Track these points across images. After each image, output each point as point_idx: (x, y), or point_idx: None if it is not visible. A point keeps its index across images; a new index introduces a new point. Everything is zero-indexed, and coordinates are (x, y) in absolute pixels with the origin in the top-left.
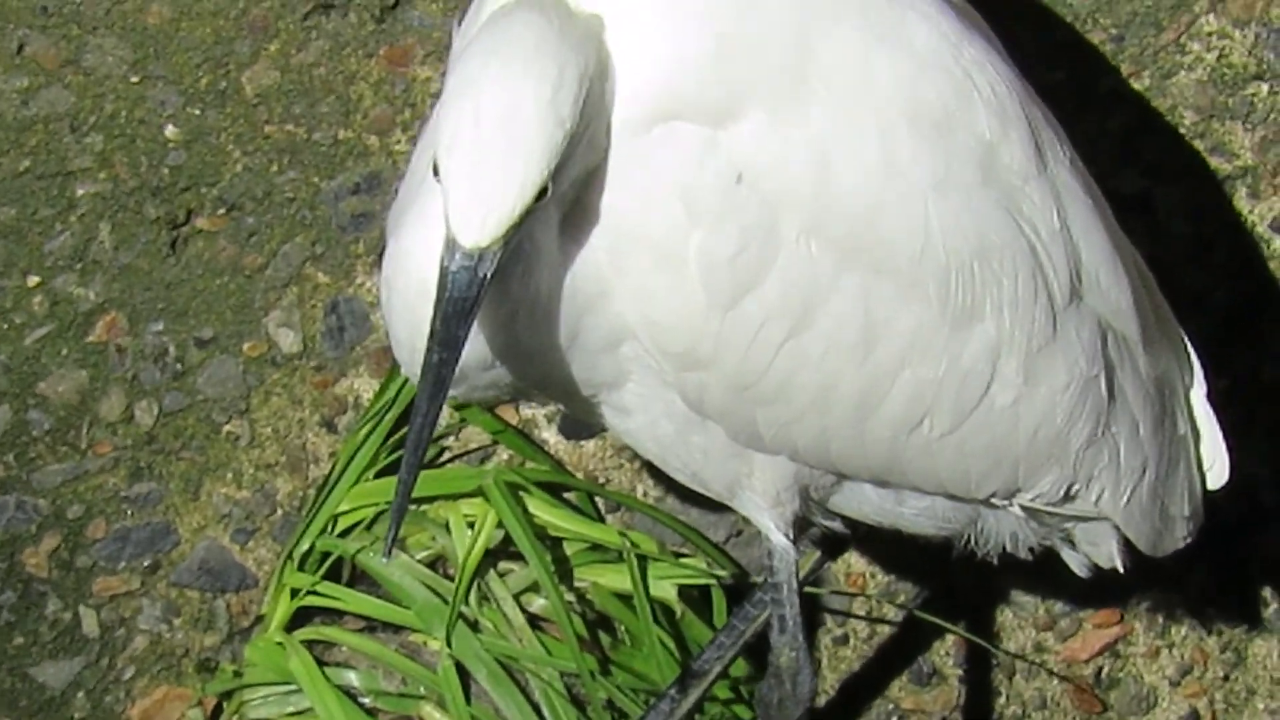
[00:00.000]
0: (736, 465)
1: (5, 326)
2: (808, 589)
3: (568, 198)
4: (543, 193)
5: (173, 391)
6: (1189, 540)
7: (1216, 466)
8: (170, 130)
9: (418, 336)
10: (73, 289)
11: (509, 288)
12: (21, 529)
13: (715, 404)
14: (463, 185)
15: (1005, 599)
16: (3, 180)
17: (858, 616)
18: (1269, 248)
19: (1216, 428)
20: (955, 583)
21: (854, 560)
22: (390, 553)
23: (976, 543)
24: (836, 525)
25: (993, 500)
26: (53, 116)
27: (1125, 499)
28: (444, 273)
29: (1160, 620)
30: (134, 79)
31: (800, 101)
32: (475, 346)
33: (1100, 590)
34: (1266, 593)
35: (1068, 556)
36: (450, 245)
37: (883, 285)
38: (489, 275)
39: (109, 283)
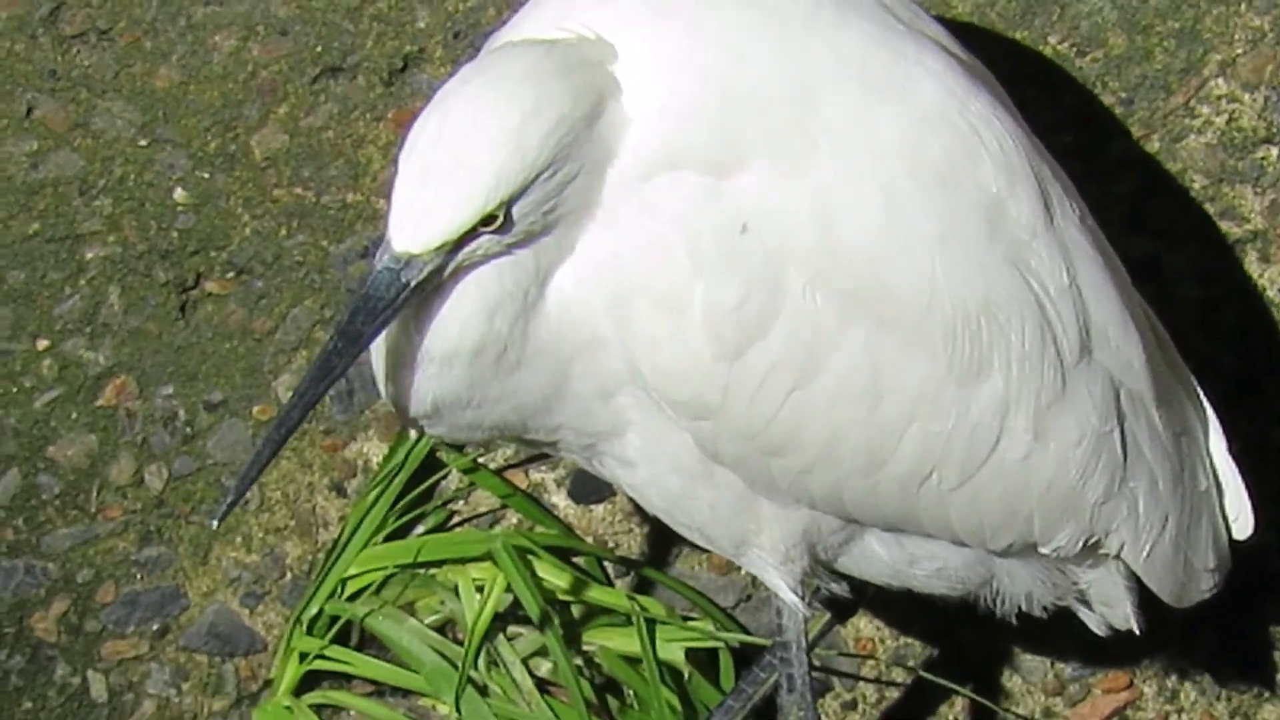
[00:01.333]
0: (744, 522)
1: (15, 390)
2: (816, 651)
3: (550, 245)
4: (491, 219)
5: (182, 455)
6: (1215, 591)
7: (1241, 518)
8: (179, 194)
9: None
10: (82, 352)
11: (471, 329)
12: (30, 593)
13: (728, 453)
14: (408, 190)
15: (1013, 662)
16: (12, 244)
17: (867, 680)
18: (1279, 312)
19: (1239, 480)
20: (964, 646)
21: (863, 624)
22: (220, 521)
23: (992, 603)
24: (843, 588)
25: (1010, 552)
26: (62, 180)
27: (1146, 551)
28: (368, 270)
29: (1170, 684)
30: (143, 142)
31: (804, 154)
32: (445, 384)
33: (1109, 653)
34: (1276, 657)
35: (1085, 616)
36: (384, 245)
37: (888, 338)
38: (411, 284)
39: (118, 346)
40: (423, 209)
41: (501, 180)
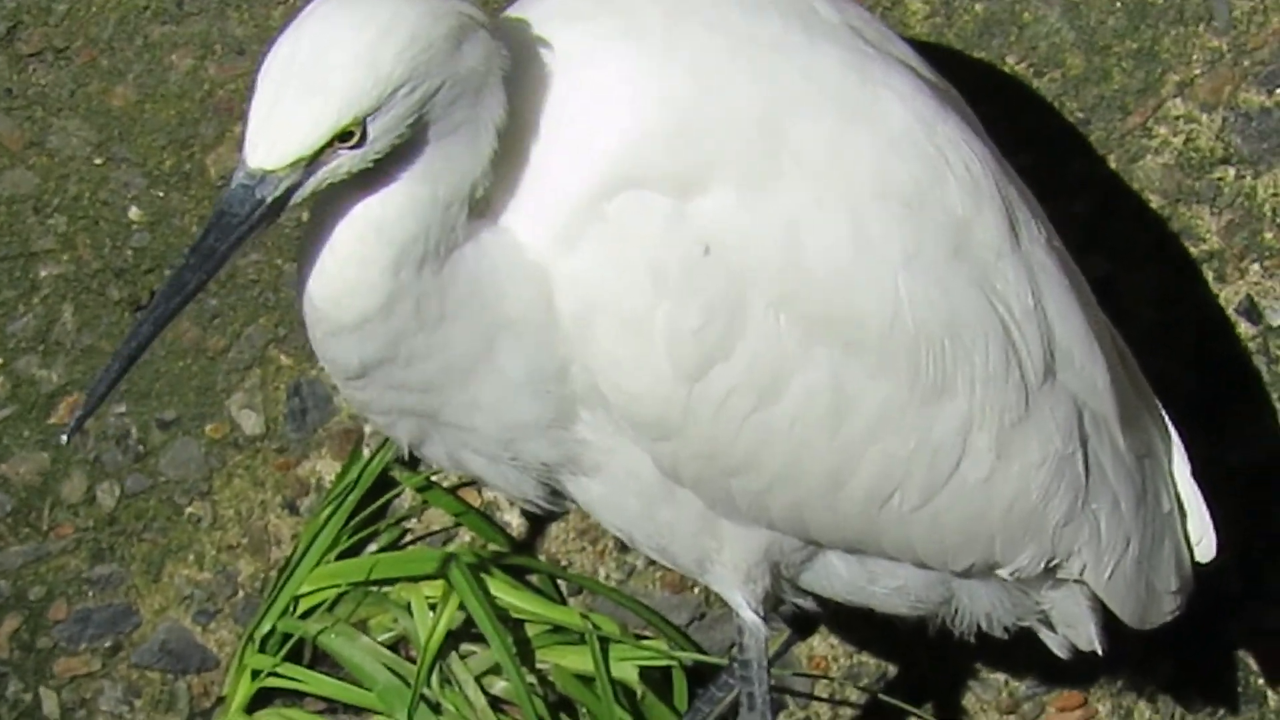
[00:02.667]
0: (705, 540)
1: None
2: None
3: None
4: (348, 135)
5: (135, 473)
6: (1178, 613)
7: (1204, 541)
8: (134, 212)
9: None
10: (35, 370)
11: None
12: None
13: (688, 473)
14: (262, 107)
15: (969, 681)
16: None
17: (820, 699)
18: (1236, 332)
19: (1202, 503)
20: (918, 665)
21: (816, 643)
22: (74, 434)
23: (951, 622)
24: (808, 603)
25: (971, 573)
26: (16, 198)
27: (1108, 573)
28: (224, 188)
29: (1125, 703)
30: (98, 161)
31: (770, 176)
32: (368, 344)
33: (1065, 672)
34: (1233, 677)
35: (1046, 637)
36: (239, 163)
37: (852, 360)
38: (267, 199)
39: (71, 364)
40: (277, 124)
41: (355, 96)
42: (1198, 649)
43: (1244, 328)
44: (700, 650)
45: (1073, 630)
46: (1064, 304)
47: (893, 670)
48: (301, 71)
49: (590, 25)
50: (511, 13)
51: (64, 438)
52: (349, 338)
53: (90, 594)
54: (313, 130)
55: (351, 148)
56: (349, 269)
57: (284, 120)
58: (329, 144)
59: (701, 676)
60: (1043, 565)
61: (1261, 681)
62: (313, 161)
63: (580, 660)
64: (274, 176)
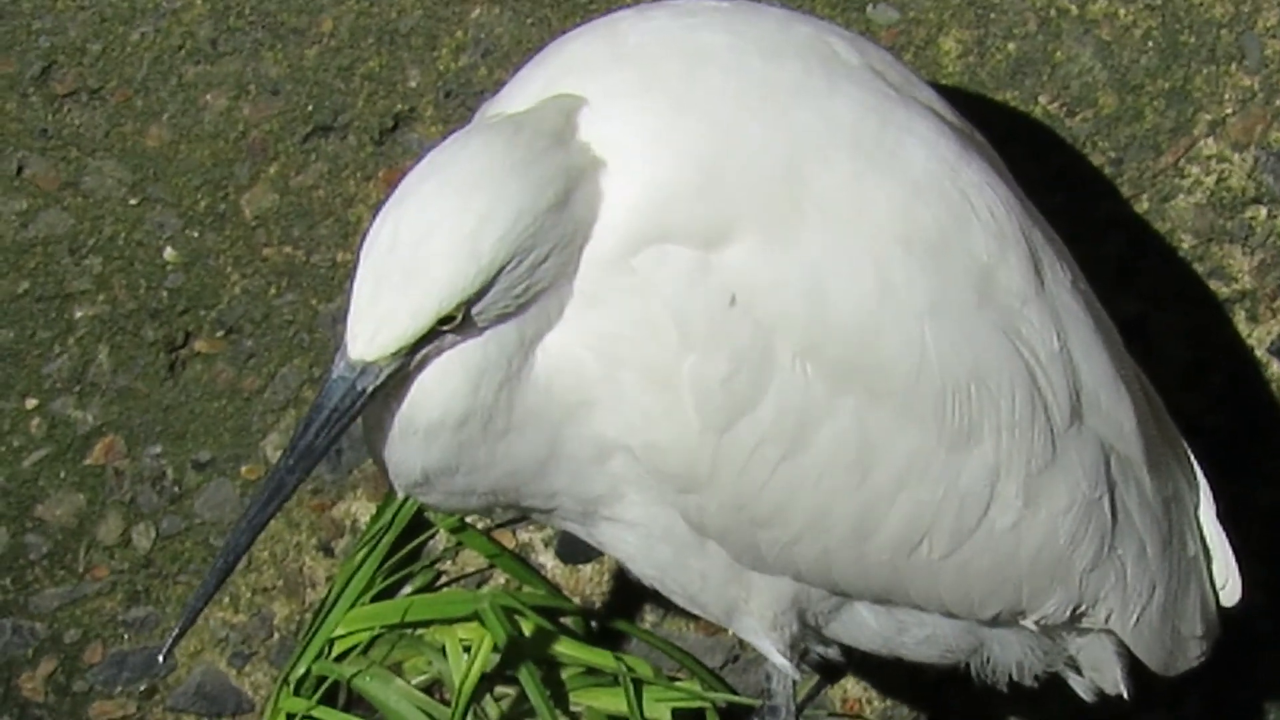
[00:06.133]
0: (735, 590)
1: (3, 449)
2: (804, 713)
3: (532, 315)
4: (449, 319)
5: (170, 515)
6: (1204, 659)
7: (1229, 585)
8: (169, 252)
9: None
10: (71, 411)
11: (458, 399)
12: (18, 653)
13: (715, 525)
14: (363, 297)
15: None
16: (1, 303)
17: None
18: (1268, 372)
19: (1228, 546)
20: (950, 706)
21: (850, 685)
22: (167, 653)
23: (981, 671)
24: (833, 653)
25: (997, 621)
26: (51, 239)
27: (1134, 620)
28: (325, 379)
29: None
30: (133, 201)
31: (793, 225)
32: (433, 453)
33: (1095, 714)
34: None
35: (1074, 683)
36: (340, 352)
37: (878, 408)
38: (368, 390)
39: (107, 405)
40: (378, 316)
41: (456, 287)
42: (1226, 690)
43: (1276, 368)
44: (734, 692)
45: (1099, 674)
46: (1090, 347)
47: (925, 713)
48: (401, 260)
49: (608, 80)
50: (526, 71)
51: (160, 657)
52: (414, 441)
53: (126, 636)
54: (413, 321)
55: (453, 330)
56: (429, 381)
57: (385, 312)
58: (431, 330)
59: (735, 718)
60: (1069, 613)
61: None
62: (414, 349)
63: (614, 702)
64: (374, 367)
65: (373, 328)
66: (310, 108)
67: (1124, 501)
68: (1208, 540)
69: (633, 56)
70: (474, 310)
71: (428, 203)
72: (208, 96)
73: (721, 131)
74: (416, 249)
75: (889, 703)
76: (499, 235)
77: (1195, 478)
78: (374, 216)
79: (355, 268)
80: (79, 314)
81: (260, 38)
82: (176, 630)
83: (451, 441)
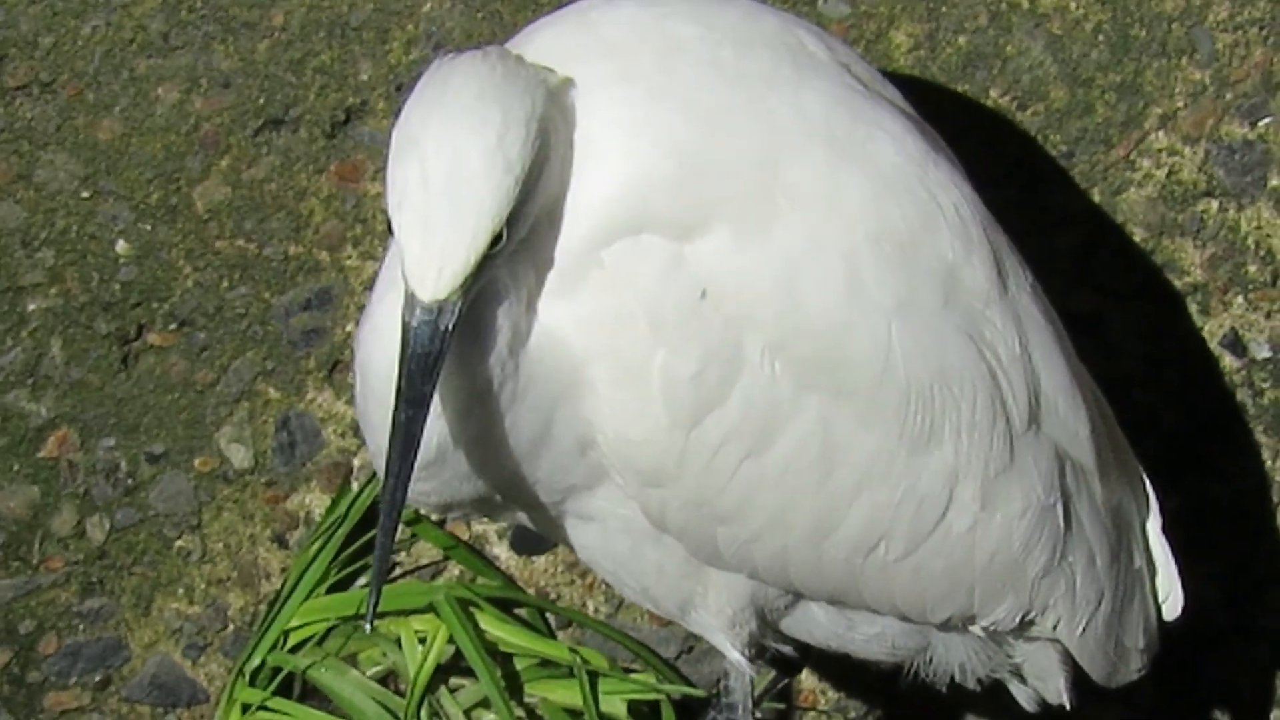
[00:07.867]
0: (690, 585)
1: None
2: (760, 705)
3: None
4: (498, 239)
5: (124, 507)
6: (1143, 672)
7: (1171, 599)
8: (121, 246)
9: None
10: (24, 404)
11: (474, 365)
12: None
13: (675, 520)
14: (416, 241)
15: (952, 714)
16: None
17: None
18: (1220, 364)
19: (1172, 560)
20: (903, 700)
21: (805, 677)
22: (372, 624)
23: (924, 671)
24: (789, 649)
25: (948, 625)
26: (3, 232)
27: (1081, 629)
28: (406, 329)
29: None
30: (85, 194)
31: (767, 219)
32: (451, 422)
33: (1049, 709)
34: (1215, 713)
35: (1016, 690)
36: (410, 301)
37: (843, 407)
38: (450, 328)
39: (60, 398)
40: (438, 253)
41: (501, 200)
42: (1180, 684)
43: (1228, 360)
44: (689, 683)
45: (1043, 683)
46: (1049, 352)
47: (879, 705)
48: (441, 193)
49: (584, 69)
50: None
51: (367, 626)
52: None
53: (80, 628)
54: (475, 243)
55: (501, 248)
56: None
57: (444, 245)
58: (485, 255)
59: (689, 710)
60: (1019, 619)
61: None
62: (477, 275)
63: (569, 694)
64: (449, 303)
65: (437, 265)
66: (262, 101)
67: (1076, 509)
68: (1152, 553)
69: (607, 45)
70: (510, 233)
71: (443, 134)
72: (159, 90)
73: (695, 123)
74: (452, 177)
75: (841, 694)
76: (521, 139)
77: (1144, 489)
78: (385, 165)
79: (390, 222)
80: (31, 307)
81: (212, 31)
82: (373, 598)
83: (467, 408)
